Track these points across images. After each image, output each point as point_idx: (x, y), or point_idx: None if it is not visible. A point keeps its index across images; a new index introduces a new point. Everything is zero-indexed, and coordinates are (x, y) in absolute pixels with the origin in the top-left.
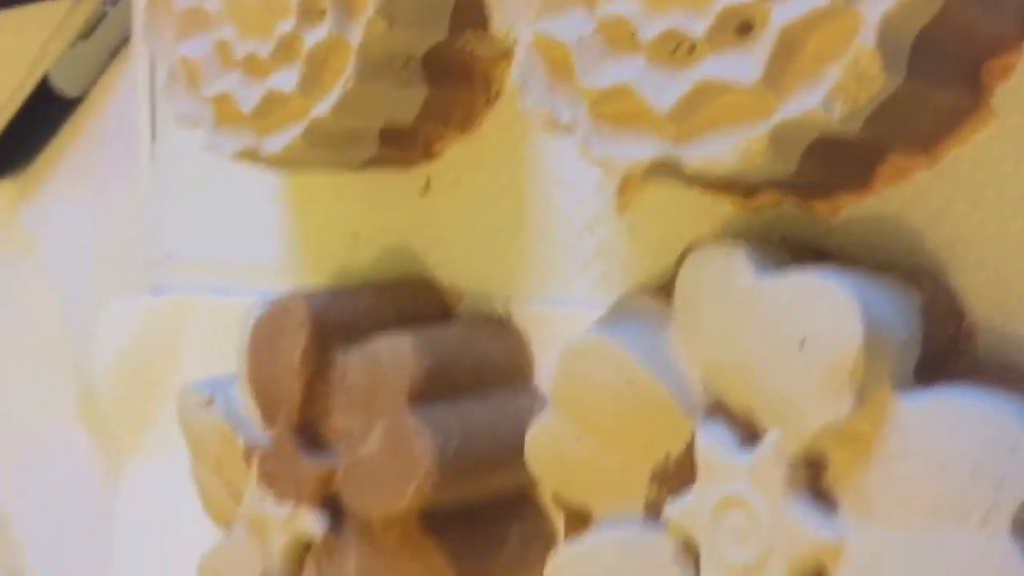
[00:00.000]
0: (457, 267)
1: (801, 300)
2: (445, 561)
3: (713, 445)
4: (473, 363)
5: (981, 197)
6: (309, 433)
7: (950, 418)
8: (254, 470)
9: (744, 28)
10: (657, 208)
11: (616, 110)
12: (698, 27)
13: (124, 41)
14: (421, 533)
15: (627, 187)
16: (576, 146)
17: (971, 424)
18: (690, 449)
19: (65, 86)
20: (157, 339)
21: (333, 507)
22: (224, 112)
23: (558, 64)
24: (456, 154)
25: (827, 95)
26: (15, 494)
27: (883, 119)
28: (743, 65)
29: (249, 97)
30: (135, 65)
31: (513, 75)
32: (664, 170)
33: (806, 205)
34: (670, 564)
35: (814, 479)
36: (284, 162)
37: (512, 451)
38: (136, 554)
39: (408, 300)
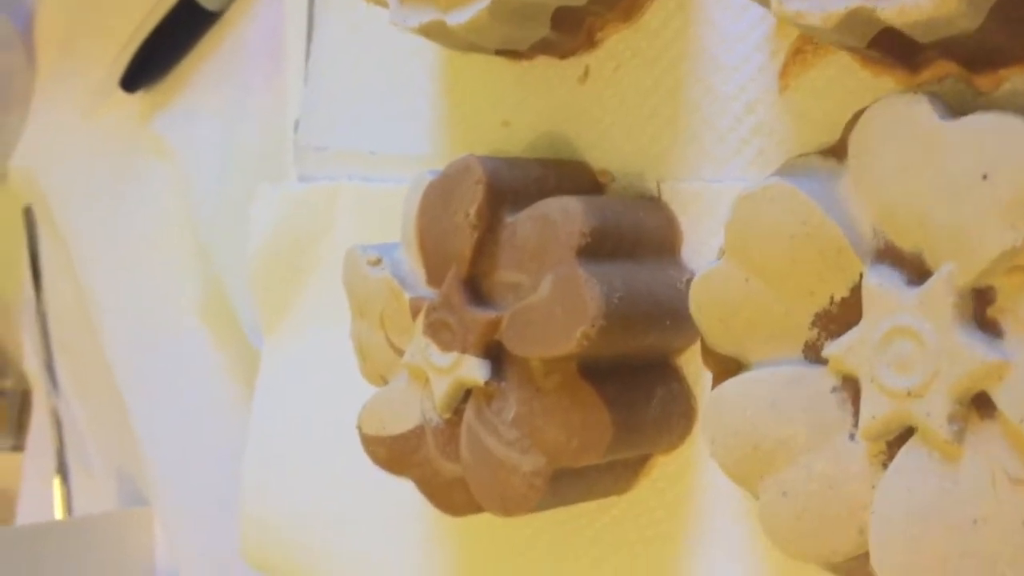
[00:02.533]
0: (611, 151)
1: (986, 136)
2: (602, 407)
3: (883, 283)
4: (632, 229)
5: None
6: (476, 288)
7: None
8: (420, 321)
9: None
10: (819, 89)
11: None
12: None
13: None
14: (580, 380)
15: (792, 65)
16: (771, 4)
17: None
18: (856, 292)
19: (207, 0)
20: (307, 222)
21: (495, 356)
22: None
23: None
24: (617, 42)
25: None
26: (138, 386)
27: None
28: None
29: None
30: None
31: None
32: (857, 22)
33: (969, 77)
34: (827, 396)
35: (982, 310)
36: (465, 35)
37: (664, 312)
38: (273, 430)
39: (569, 176)
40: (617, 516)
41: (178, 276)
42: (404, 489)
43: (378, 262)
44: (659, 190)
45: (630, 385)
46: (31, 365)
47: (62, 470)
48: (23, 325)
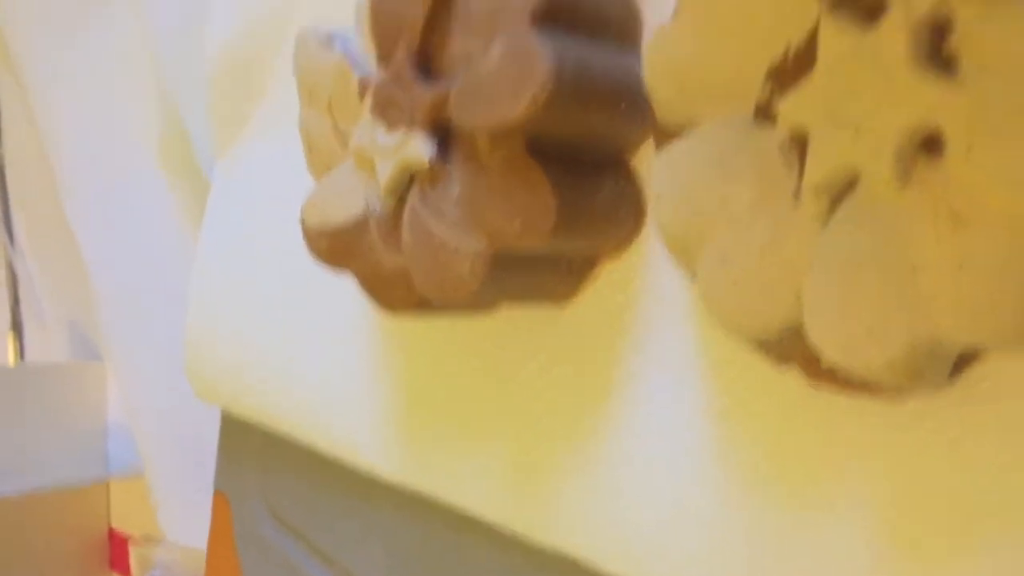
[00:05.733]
0: None
1: None
2: (546, 187)
3: (838, 23)
4: (592, 6)
5: None
6: (426, 64)
7: None
8: (367, 101)
9: None
10: None
11: None
12: None
13: None
14: (527, 157)
15: None
16: None
17: None
18: (812, 40)
19: None
20: (264, 26)
21: (443, 135)
22: None
23: None
24: None
25: None
26: (95, 241)
27: None
28: None
29: None
30: None
31: None
32: None
33: None
34: (774, 153)
35: (939, 44)
36: None
37: (619, 95)
38: (221, 251)
39: None
40: (561, 326)
41: (138, 119)
42: (350, 305)
43: (329, 42)
44: None
45: (579, 173)
46: None
47: (16, 325)
48: None
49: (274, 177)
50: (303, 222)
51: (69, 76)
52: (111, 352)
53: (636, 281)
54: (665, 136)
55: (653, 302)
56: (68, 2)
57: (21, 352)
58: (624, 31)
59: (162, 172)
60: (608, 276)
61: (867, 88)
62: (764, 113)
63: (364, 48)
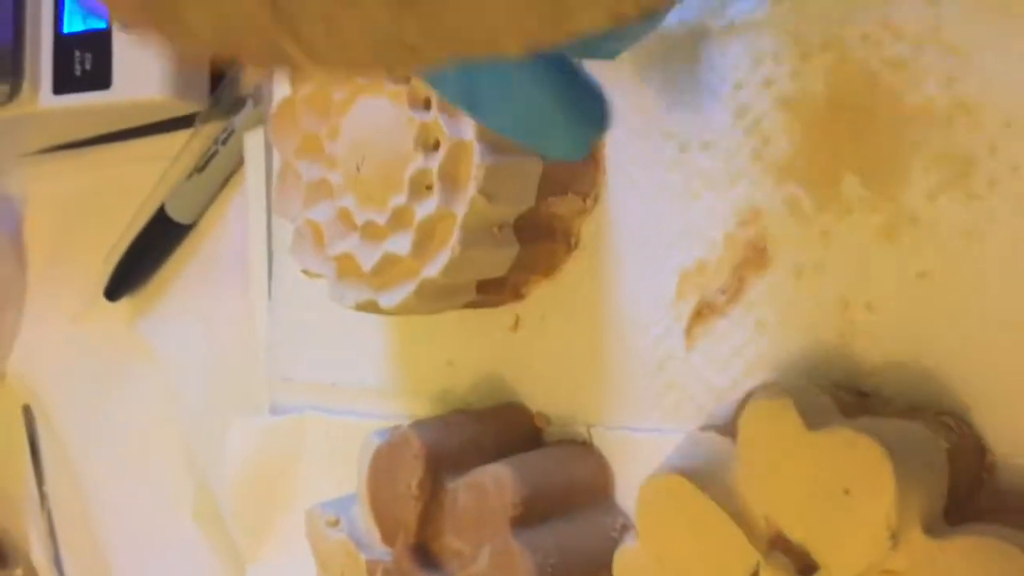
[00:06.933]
0: (544, 395)
1: (842, 453)
2: None
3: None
4: (563, 486)
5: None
6: (424, 551)
7: (977, 556)
8: None
9: None
10: (717, 347)
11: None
12: None
13: (230, 175)
14: None
15: (695, 325)
16: None
17: (996, 561)
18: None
19: (179, 214)
20: (278, 454)
21: None
22: (346, 268)
23: None
24: (541, 295)
25: None
26: None
27: None
28: None
29: (368, 258)
30: (249, 201)
31: None
32: None
33: None
34: None
35: None
36: (397, 312)
37: (599, 567)
38: None
39: (504, 426)
40: None
41: (171, 477)
42: None
43: (336, 523)
44: (590, 435)
45: None
46: (38, 557)
47: None
48: (30, 518)
49: None
50: None
51: (103, 435)
52: None
53: None
54: None
55: None
56: (98, 369)
57: None
58: (597, 491)
59: (197, 528)
60: None
61: None
62: None
63: (368, 525)
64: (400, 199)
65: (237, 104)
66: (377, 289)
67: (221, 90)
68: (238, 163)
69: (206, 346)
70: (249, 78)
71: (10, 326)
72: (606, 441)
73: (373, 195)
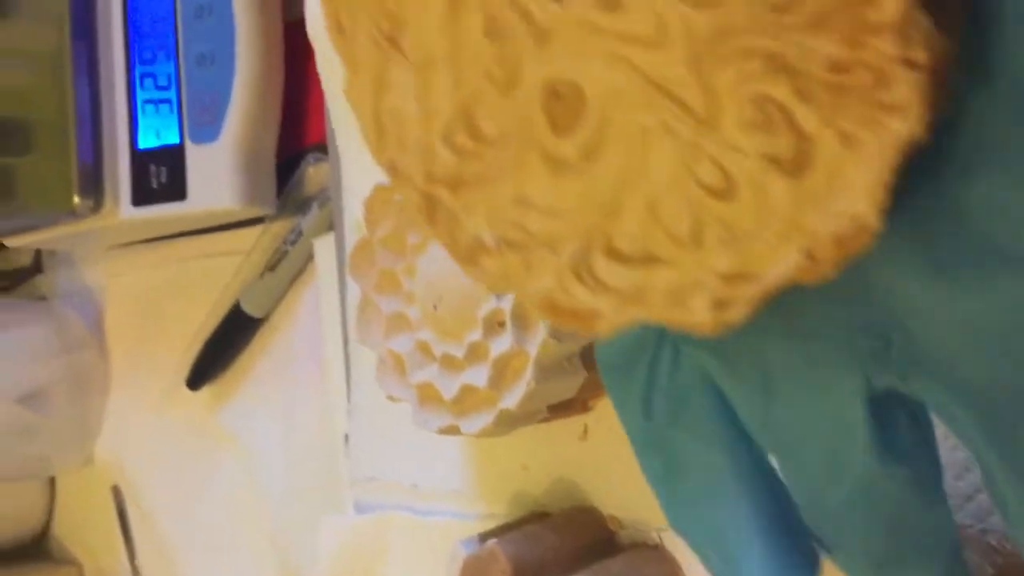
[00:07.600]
0: (615, 499)
1: None
2: None
3: None
4: None
5: None
6: None
7: None
8: None
9: None
10: None
11: None
12: None
13: (299, 273)
14: None
15: None
16: None
17: None
18: None
19: (253, 309)
20: (367, 551)
21: None
22: (427, 395)
23: None
24: (607, 406)
25: None
26: None
27: None
28: None
29: (448, 388)
30: (322, 312)
31: None
32: None
33: None
34: None
35: None
36: (478, 436)
37: None
38: None
39: (579, 531)
40: None
41: (257, 562)
42: None
43: None
44: (660, 539)
45: None
46: None
47: None
48: None
49: None
50: None
51: (190, 518)
52: None
53: None
54: None
55: None
56: (182, 454)
57: None
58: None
59: None
60: None
61: None
62: None
63: None
64: (475, 335)
65: (303, 205)
66: (457, 415)
67: (287, 193)
68: (306, 262)
69: (285, 435)
70: (312, 181)
71: (96, 411)
72: (678, 545)
73: (449, 331)
